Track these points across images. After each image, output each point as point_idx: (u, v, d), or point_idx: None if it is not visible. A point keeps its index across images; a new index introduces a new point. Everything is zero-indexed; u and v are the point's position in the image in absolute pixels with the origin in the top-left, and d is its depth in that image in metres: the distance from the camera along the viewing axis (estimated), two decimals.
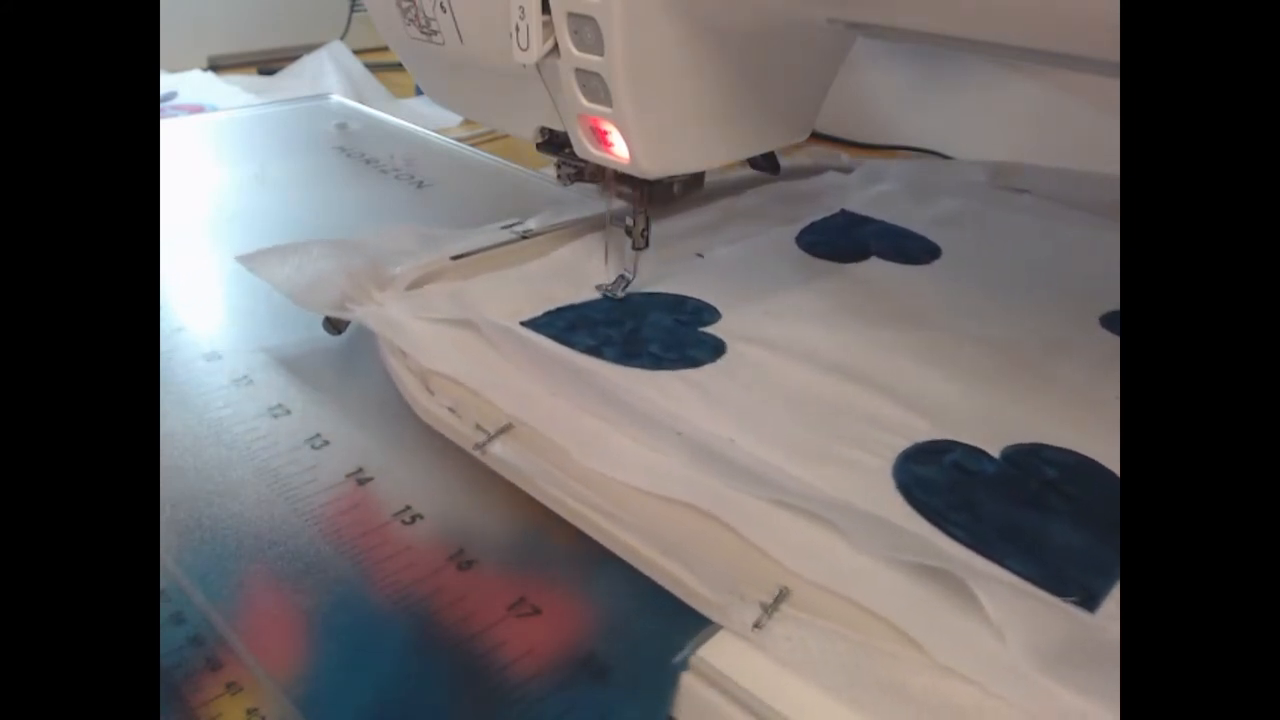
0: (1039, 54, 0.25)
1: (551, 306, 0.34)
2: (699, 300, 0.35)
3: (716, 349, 0.32)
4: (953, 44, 0.27)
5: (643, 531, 0.23)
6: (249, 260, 0.35)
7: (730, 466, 0.25)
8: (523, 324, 0.32)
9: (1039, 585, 0.22)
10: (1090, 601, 0.21)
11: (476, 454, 0.27)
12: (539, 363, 0.30)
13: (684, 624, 0.21)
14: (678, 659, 0.21)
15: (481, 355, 0.31)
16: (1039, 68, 0.60)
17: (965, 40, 0.26)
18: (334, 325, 0.34)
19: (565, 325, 0.33)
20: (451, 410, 0.28)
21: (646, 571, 0.23)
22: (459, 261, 0.36)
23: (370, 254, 0.35)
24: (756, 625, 0.21)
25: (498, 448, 0.27)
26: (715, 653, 0.21)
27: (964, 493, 0.25)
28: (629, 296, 0.35)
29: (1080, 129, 0.60)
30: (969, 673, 0.20)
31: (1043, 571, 0.22)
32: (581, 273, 0.36)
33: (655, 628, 0.22)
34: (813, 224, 0.43)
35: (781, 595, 0.21)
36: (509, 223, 0.40)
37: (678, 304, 0.35)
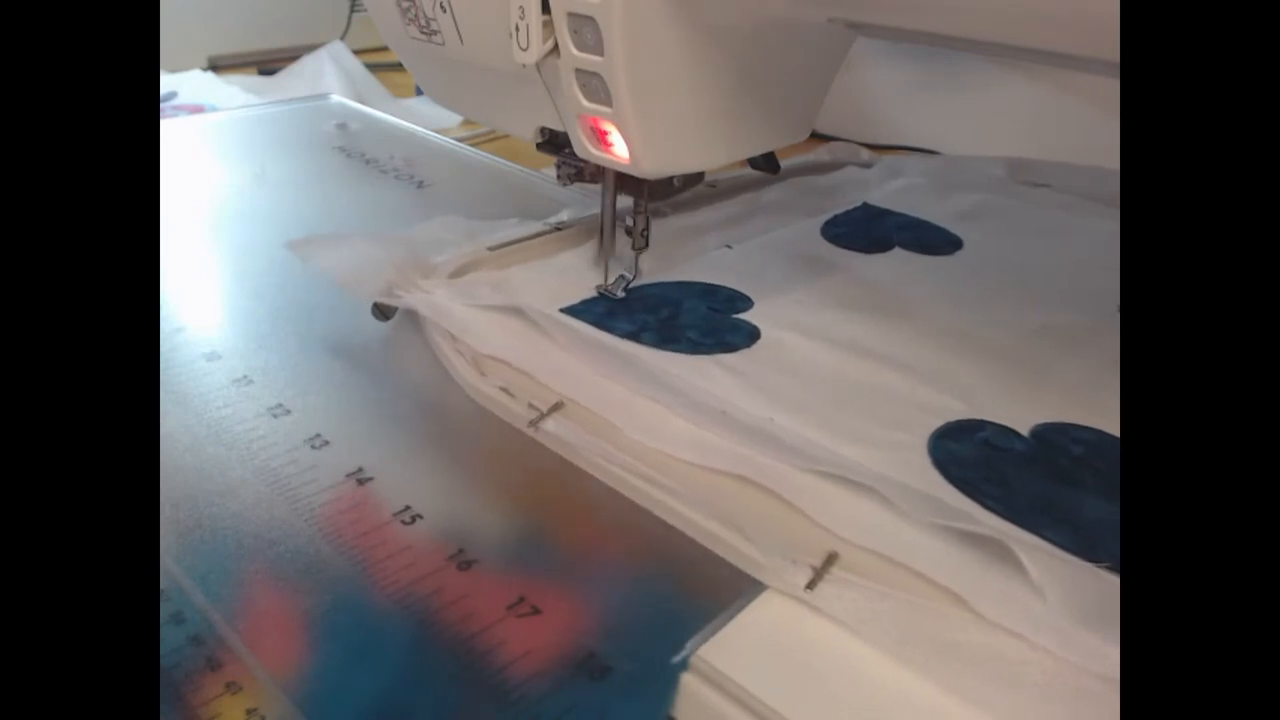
0: (1039, 54, 0.25)
1: (589, 294, 0.35)
2: (731, 289, 0.37)
3: (751, 335, 0.33)
4: (953, 44, 0.27)
5: (695, 502, 0.25)
6: (298, 247, 0.36)
7: (775, 442, 0.26)
8: (562, 311, 0.34)
9: (1072, 553, 0.23)
10: (1120, 566, 0.22)
11: (530, 431, 0.29)
12: (584, 346, 0.31)
13: (684, 624, 0.21)
14: (678, 659, 0.21)
15: (529, 339, 0.32)
16: (1039, 68, 0.60)
17: (965, 40, 0.26)
18: (381, 311, 0.35)
19: (603, 312, 0.34)
20: (504, 390, 0.30)
21: (700, 539, 0.24)
22: (496, 252, 0.38)
23: (412, 244, 0.37)
24: (809, 586, 0.22)
25: (550, 425, 0.28)
26: (715, 653, 0.21)
27: (997, 468, 0.26)
28: (664, 285, 0.36)
29: (1080, 129, 0.60)
30: (1014, 628, 0.21)
31: (1075, 540, 0.23)
32: (617, 263, 0.37)
33: (655, 628, 0.22)
34: (836, 217, 0.45)
35: (830, 559, 0.23)
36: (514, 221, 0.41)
37: (711, 292, 0.36)
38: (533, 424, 0.28)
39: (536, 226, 0.40)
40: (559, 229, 0.40)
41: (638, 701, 0.20)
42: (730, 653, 0.21)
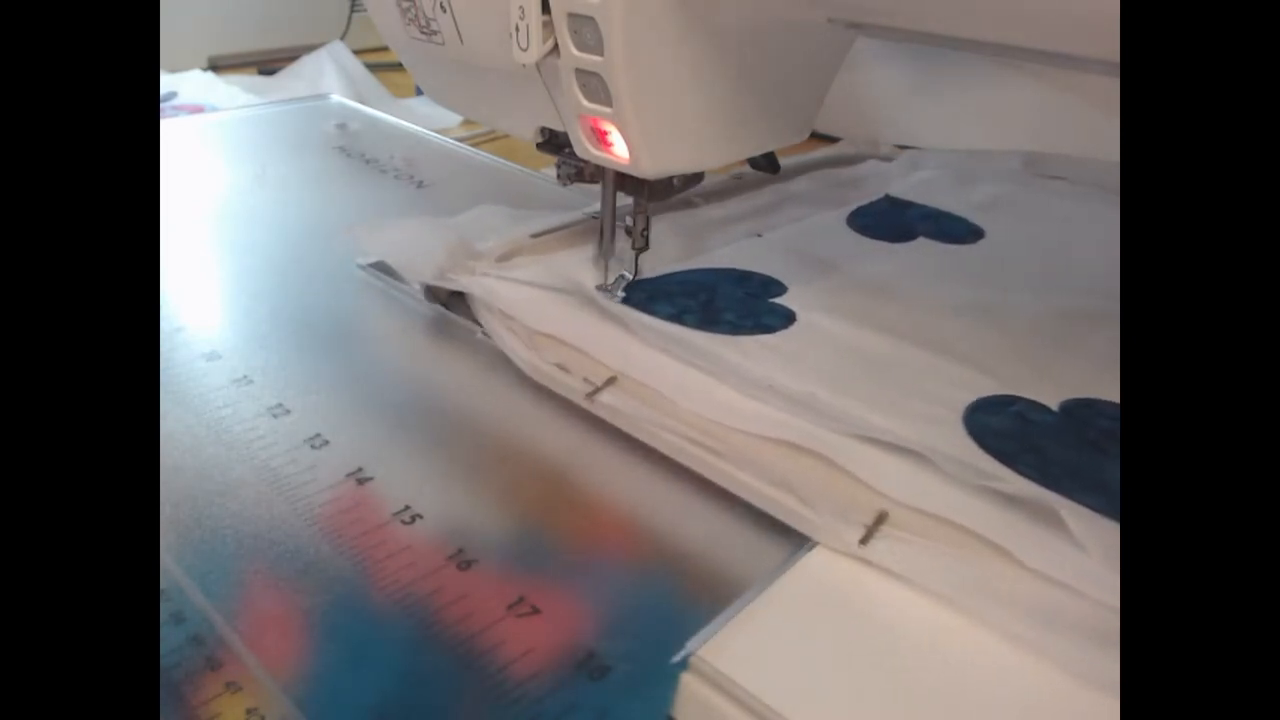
0: (1040, 54, 0.25)
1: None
2: (764, 275, 0.38)
3: (788, 317, 0.34)
4: (953, 44, 0.27)
5: (749, 466, 0.26)
6: (357, 233, 0.39)
7: (821, 411, 0.28)
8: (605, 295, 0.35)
9: (1103, 514, 0.24)
10: None
11: (586, 404, 0.30)
12: (631, 326, 0.33)
13: (684, 624, 0.21)
14: (677, 659, 0.21)
15: (580, 317, 0.34)
16: (1039, 67, 0.60)
17: (965, 40, 0.26)
18: (434, 294, 0.37)
19: (645, 296, 0.35)
20: (560, 366, 0.31)
21: (756, 502, 0.26)
22: (538, 239, 0.39)
23: (460, 230, 0.39)
24: (862, 542, 0.23)
25: (606, 397, 0.30)
26: (715, 653, 0.21)
27: (1029, 439, 0.27)
28: (699, 271, 0.38)
29: (1081, 129, 0.60)
30: (1060, 578, 0.22)
31: (1107, 503, 0.24)
32: (655, 250, 0.38)
33: (655, 628, 0.22)
34: (860, 208, 0.46)
35: (881, 518, 0.24)
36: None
37: (744, 278, 0.37)
38: (589, 397, 0.30)
39: (575, 215, 0.42)
40: (595, 217, 0.42)
41: (638, 701, 0.20)
42: (730, 653, 0.21)
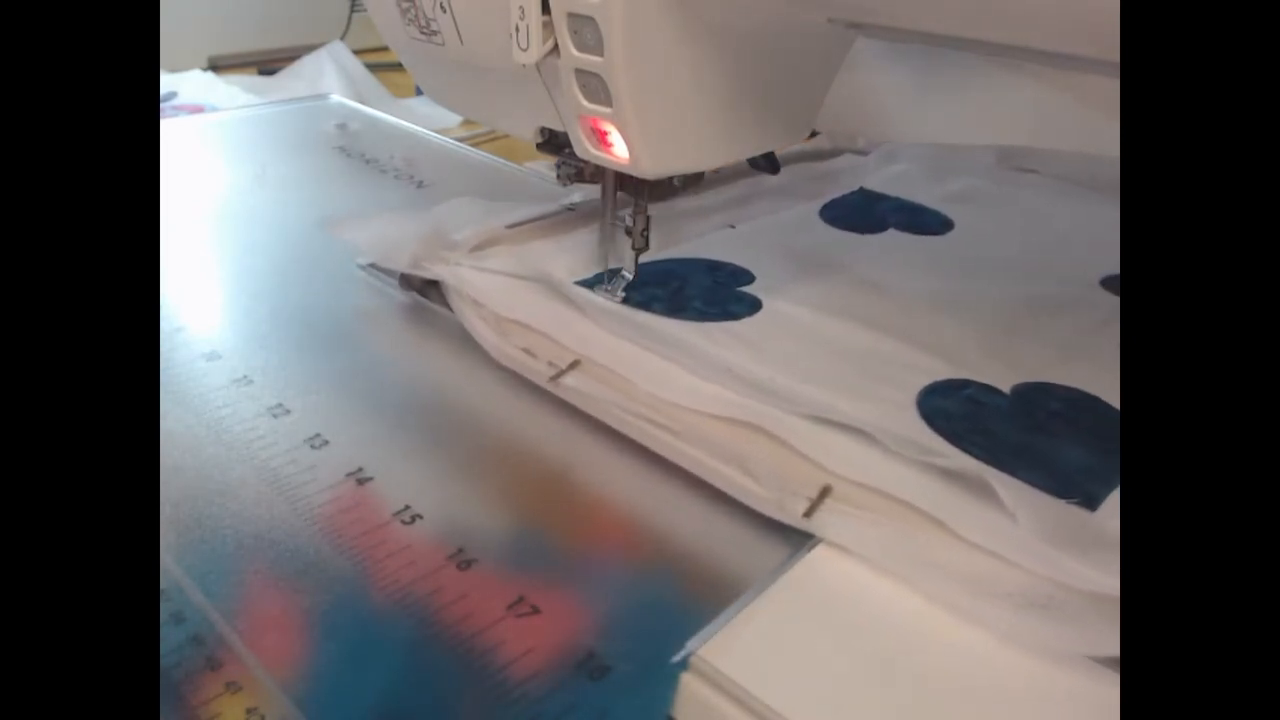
0: (1039, 54, 0.25)
1: (601, 269, 0.37)
2: (734, 265, 0.39)
3: (754, 305, 0.36)
4: (953, 44, 0.27)
5: (702, 445, 0.27)
6: (336, 227, 0.40)
7: (776, 393, 0.29)
8: (576, 284, 0.36)
9: (1045, 491, 0.25)
10: (1090, 502, 0.25)
11: (550, 387, 0.31)
12: (599, 313, 0.34)
13: (684, 624, 0.21)
14: (677, 659, 0.21)
15: (548, 305, 0.35)
16: (1039, 67, 0.60)
17: (965, 40, 0.26)
18: (409, 282, 0.38)
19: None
20: (526, 351, 0.32)
21: (709, 479, 0.26)
22: (513, 230, 0.40)
23: (435, 221, 0.40)
24: (806, 515, 0.24)
25: (570, 380, 0.31)
26: (715, 653, 0.21)
27: (979, 420, 0.28)
28: (671, 261, 0.39)
29: (1080, 129, 0.60)
30: (992, 548, 0.23)
31: (1049, 481, 0.25)
32: (625, 241, 0.38)
33: (655, 628, 0.22)
34: (833, 200, 0.47)
35: (825, 492, 0.25)
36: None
37: (715, 268, 0.39)
38: (553, 379, 0.31)
39: (550, 207, 0.43)
40: (571, 209, 0.43)
41: (638, 701, 0.20)
42: (730, 653, 0.21)
